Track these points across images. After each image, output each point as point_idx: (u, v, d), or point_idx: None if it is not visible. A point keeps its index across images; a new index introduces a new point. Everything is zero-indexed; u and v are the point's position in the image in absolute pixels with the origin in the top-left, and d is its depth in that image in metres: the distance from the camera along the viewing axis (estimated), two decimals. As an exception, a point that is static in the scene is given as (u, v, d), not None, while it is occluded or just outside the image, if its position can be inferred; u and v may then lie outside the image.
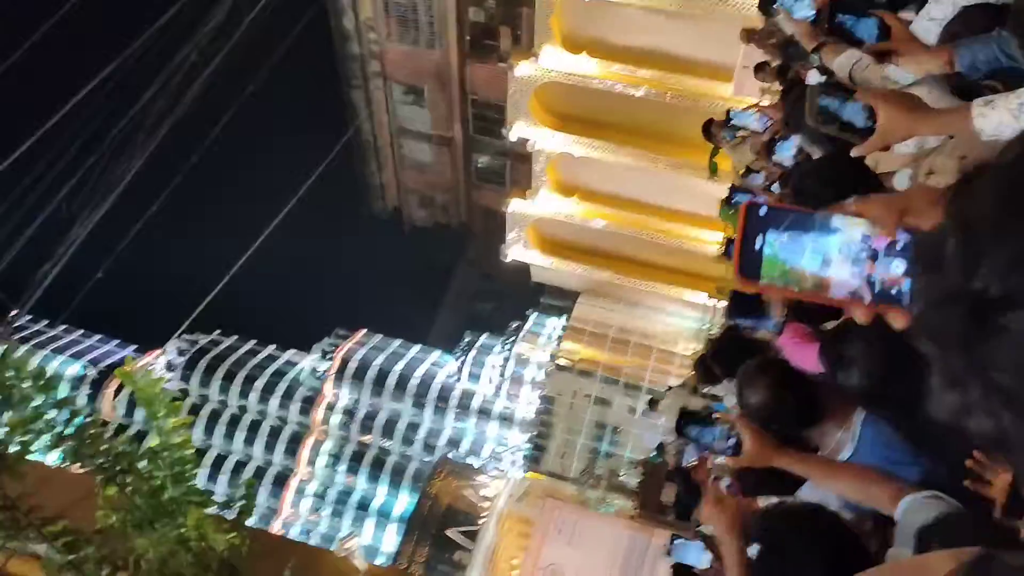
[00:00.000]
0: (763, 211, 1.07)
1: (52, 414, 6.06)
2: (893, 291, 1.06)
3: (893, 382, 2.57)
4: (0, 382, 5.93)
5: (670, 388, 12.14)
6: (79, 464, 6.17)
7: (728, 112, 6.95)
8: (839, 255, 1.05)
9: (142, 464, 6.53)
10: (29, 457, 6.46)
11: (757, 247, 1.06)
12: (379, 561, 35.68)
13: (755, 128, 6.45)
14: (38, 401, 6.05)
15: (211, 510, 7.09)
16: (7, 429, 6.10)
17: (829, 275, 1.05)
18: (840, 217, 1.08)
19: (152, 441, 6.98)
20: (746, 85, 22.80)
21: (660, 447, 11.72)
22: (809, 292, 1.07)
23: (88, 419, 6.36)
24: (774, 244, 1.05)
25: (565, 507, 7.70)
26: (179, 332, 39.04)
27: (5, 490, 6.32)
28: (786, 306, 4.20)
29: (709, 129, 7.74)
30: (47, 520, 6.34)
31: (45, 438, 6.14)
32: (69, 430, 6.17)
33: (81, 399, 40.44)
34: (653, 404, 10.92)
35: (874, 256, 1.07)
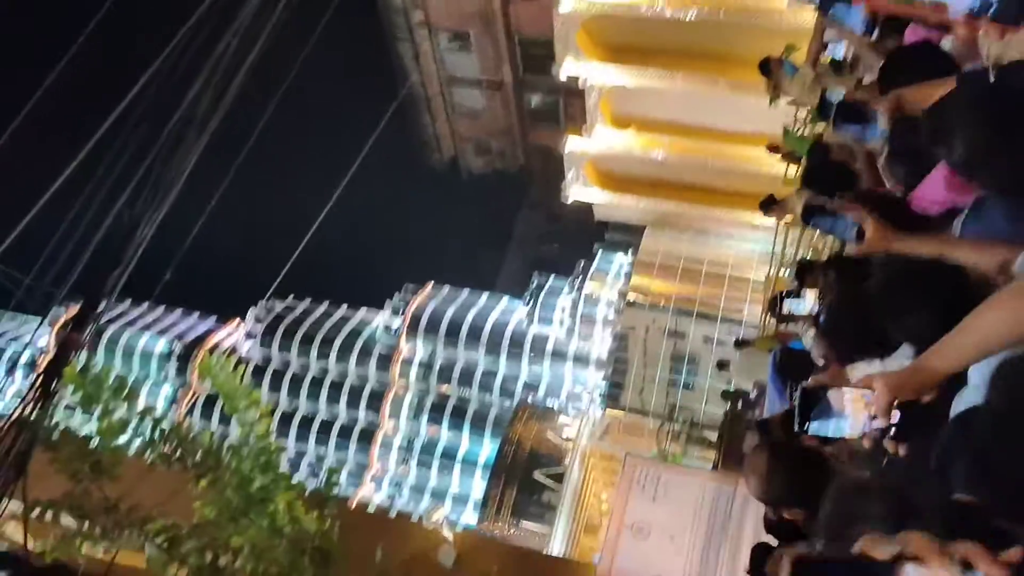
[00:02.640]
0: None
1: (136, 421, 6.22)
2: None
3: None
4: (86, 395, 6.10)
5: (738, 343, 11.80)
6: (168, 466, 6.35)
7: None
8: None
9: (228, 459, 6.69)
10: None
11: None
12: (469, 507, 36.54)
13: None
14: (122, 410, 6.22)
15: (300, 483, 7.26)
16: (99, 438, 6.30)
17: None
18: None
19: (236, 433, 7.14)
20: (801, -5, 21.82)
21: (734, 395, 11.53)
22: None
23: (171, 426, 6.51)
24: None
25: (646, 462, 7.67)
26: (266, 296, 40.01)
27: (105, 492, 6.57)
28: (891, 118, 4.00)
29: (767, 66, 7.34)
30: (147, 518, 6.58)
31: (136, 442, 6.32)
32: (156, 434, 6.33)
33: (168, 386, 42.02)
34: (723, 366, 10.67)
35: None
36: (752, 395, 10.60)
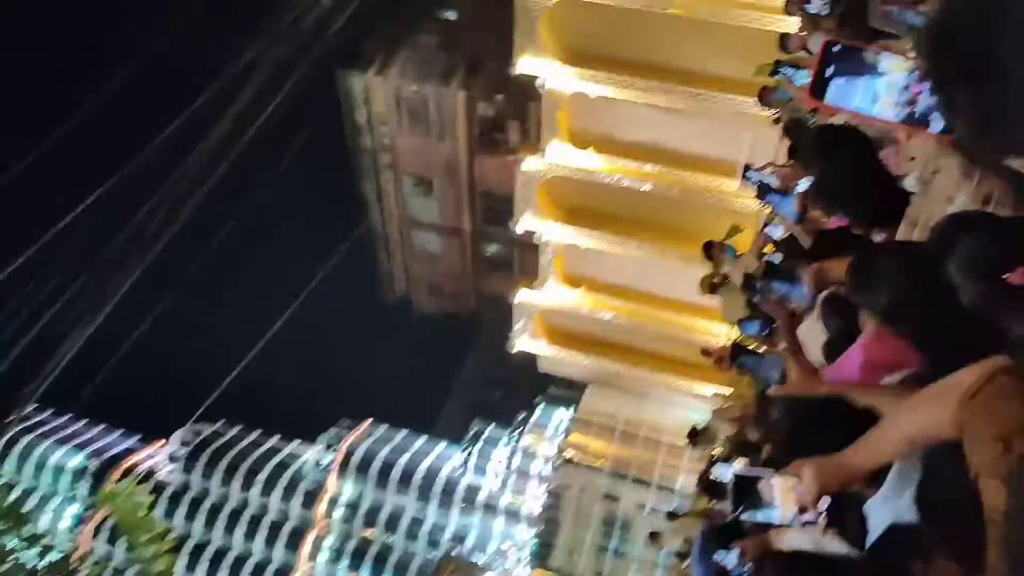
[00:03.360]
0: (836, 48, 1.64)
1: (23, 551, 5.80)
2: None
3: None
4: (-28, 517, 5.69)
5: (671, 515, 11.81)
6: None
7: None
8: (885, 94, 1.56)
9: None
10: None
11: (827, 75, 1.59)
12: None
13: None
14: (9, 538, 5.81)
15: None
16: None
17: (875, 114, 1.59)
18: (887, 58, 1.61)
19: (133, 570, 6.70)
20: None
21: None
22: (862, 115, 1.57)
23: (61, 556, 6.09)
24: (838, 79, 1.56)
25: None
26: (193, 418, 38.75)
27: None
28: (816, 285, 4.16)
29: (711, 249, 7.63)
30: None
31: (18, 573, 5.87)
32: (44, 564, 5.89)
33: (77, 504, 39.88)
34: (655, 537, 10.54)
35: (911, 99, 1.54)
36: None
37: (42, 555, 5.29)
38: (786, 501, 2.19)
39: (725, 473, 5.57)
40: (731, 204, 24.36)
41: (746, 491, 2.35)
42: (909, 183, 3.74)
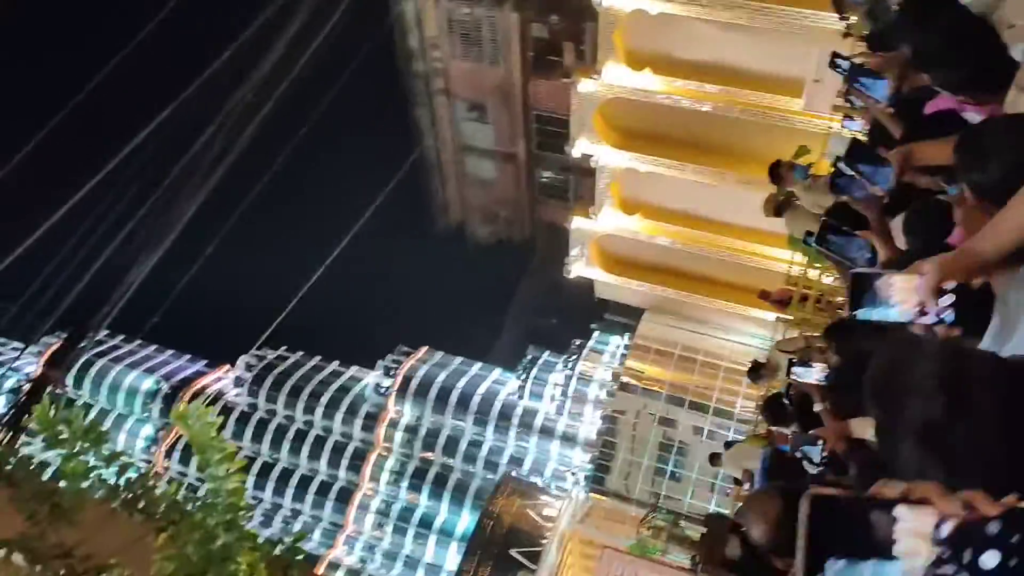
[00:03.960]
0: None
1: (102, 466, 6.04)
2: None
3: None
4: (53, 436, 5.92)
5: (728, 444, 11.67)
6: (130, 515, 6.13)
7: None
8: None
9: (194, 513, 6.47)
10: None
11: None
12: (442, 579, 35.68)
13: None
14: (90, 454, 6.03)
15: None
16: (64, 482, 6.10)
17: None
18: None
19: (206, 487, 6.93)
20: (816, 99, 22.18)
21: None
22: None
23: (137, 474, 6.32)
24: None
25: (624, 558, 7.38)
26: (258, 344, 39.82)
27: (62, 537, 6.33)
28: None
29: (778, 169, 7.33)
30: (102, 567, 6.31)
31: (100, 488, 6.11)
32: (122, 481, 6.13)
33: (150, 425, 41.52)
34: (715, 459, 10.45)
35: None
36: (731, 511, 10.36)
37: (120, 473, 5.57)
38: (905, 297, 2.01)
39: (806, 374, 5.45)
40: (795, 124, 23.61)
41: (864, 288, 2.24)
42: (1016, 54, 3.51)
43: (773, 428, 9.70)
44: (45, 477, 6.71)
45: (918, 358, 1.49)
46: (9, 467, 6.19)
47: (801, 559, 1.02)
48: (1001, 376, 1.44)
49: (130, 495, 6.13)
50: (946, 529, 1.01)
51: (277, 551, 6.89)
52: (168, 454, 39.11)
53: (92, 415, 41.05)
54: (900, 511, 1.02)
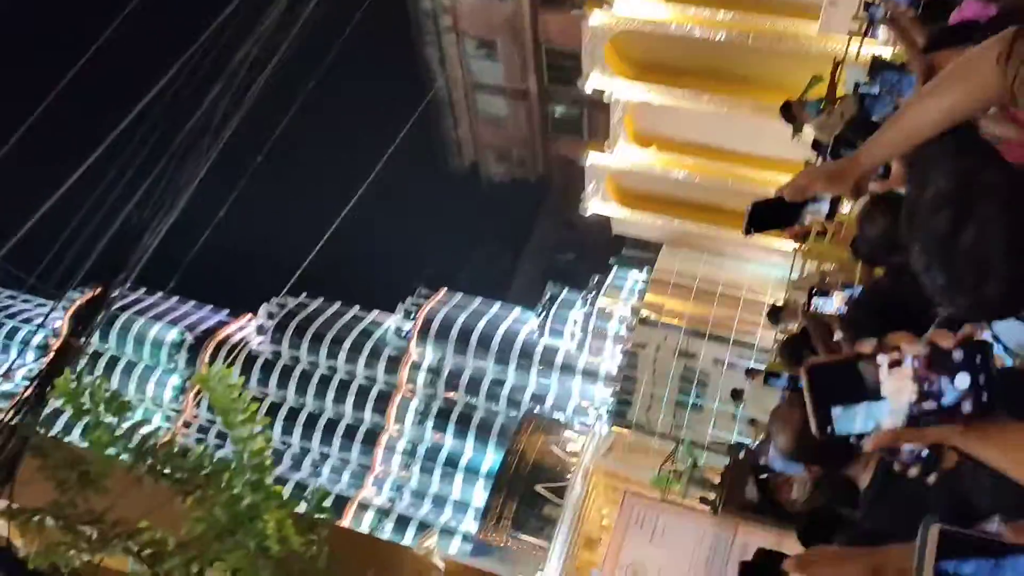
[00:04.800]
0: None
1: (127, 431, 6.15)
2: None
3: None
4: (77, 408, 6.00)
5: (749, 371, 11.59)
6: (155, 481, 6.25)
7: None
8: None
9: (219, 475, 6.59)
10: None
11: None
12: (469, 515, 36.36)
13: None
14: (113, 424, 6.13)
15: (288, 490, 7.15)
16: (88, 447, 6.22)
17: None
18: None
19: (230, 448, 7.05)
20: (833, 22, 21.57)
21: (740, 448, 11.33)
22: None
23: (160, 440, 6.42)
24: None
25: (645, 502, 7.51)
26: (280, 292, 40.10)
27: (91, 503, 6.48)
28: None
29: (789, 110, 7.16)
30: (133, 532, 6.47)
31: (125, 455, 6.22)
32: (146, 448, 6.24)
33: (177, 376, 42.15)
34: (737, 395, 10.44)
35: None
36: (754, 443, 10.40)
37: (144, 441, 5.64)
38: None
39: (826, 304, 5.45)
40: (811, 49, 23.04)
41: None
42: None
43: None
44: (71, 443, 6.84)
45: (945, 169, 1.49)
46: (36, 438, 6.31)
47: (812, 417, 1.20)
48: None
49: (155, 462, 6.24)
50: (920, 365, 1.18)
51: (301, 509, 7.03)
52: (198, 403, 39.82)
53: (119, 369, 41.79)
54: (881, 358, 1.19)
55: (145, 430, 6.35)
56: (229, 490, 6.58)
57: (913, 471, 2.99)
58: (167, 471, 6.29)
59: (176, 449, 6.53)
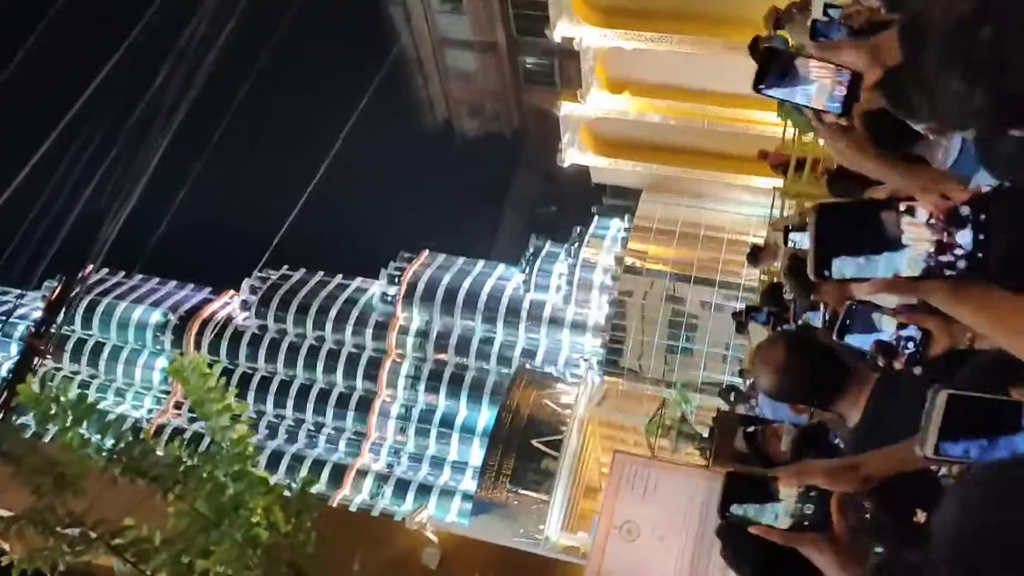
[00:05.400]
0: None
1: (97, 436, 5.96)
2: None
3: None
4: (43, 412, 5.80)
5: (735, 314, 11.44)
6: (132, 481, 6.08)
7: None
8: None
9: (199, 468, 6.42)
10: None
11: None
12: (468, 475, 36.59)
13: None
14: (82, 427, 5.94)
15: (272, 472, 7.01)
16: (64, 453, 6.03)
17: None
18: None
19: (209, 439, 6.88)
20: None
21: (731, 391, 11.28)
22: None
23: (134, 439, 6.24)
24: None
25: (636, 460, 7.47)
26: (260, 266, 39.75)
27: (69, 506, 6.30)
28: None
29: (758, 47, 6.90)
30: (115, 531, 6.31)
31: (99, 458, 6.04)
32: (120, 447, 6.06)
33: (163, 358, 41.84)
34: (741, 328, 10.23)
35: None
36: (745, 387, 10.35)
37: (117, 441, 5.55)
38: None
39: (804, 240, 5.28)
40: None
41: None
42: None
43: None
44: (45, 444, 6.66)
45: None
46: (7, 444, 6.12)
47: (811, 259, 1.20)
48: None
49: (131, 462, 6.06)
50: (936, 218, 1.16)
51: (288, 494, 6.89)
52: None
53: (105, 355, 41.46)
54: (903, 207, 1.17)
55: (117, 430, 6.18)
56: (211, 482, 6.42)
57: (898, 364, 2.92)
58: (144, 468, 6.11)
59: (151, 445, 6.35)
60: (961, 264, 1.13)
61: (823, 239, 1.16)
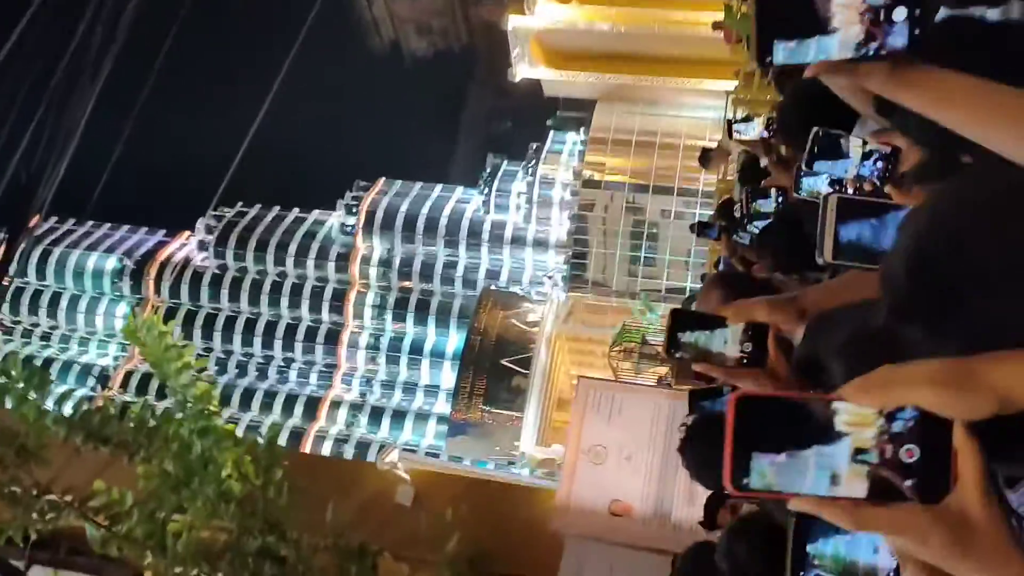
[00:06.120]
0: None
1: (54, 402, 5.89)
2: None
3: None
4: (-5, 386, 5.70)
5: (695, 226, 11.44)
6: (95, 448, 6.04)
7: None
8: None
9: (165, 427, 6.39)
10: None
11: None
12: (441, 398, 36.99)
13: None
14: (35, 396, 5.85)
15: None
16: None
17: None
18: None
19: (170, 400, 6.84)
20: None
21: (691, 300, 11.32)
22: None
23: (92, 406, 6.17)
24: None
25: (600, 384, 7.57)
26: (213, 204, 39.01)
27: (35, 477, 6.27)
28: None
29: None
30: (85, 497, 6.31)
31: (58, 428, 5.98)
32: (76, 417, 5.99)
33: (123, 304, 41.14)
34: (701, 229, 10.18)
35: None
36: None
37: (76, 408, 5.49)
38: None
39: (747, 130, 5.30)
40: None
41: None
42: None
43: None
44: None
45: None
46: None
47: (754, 47, 1.14)
48: None
49: (91, 430, 6.00)
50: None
51: (258, 442, 6.90)
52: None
53: (64, 305, 40.72)
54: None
55: (82, 390, 6.09)
56: (176, 441, 6.40)
57: (867, 187, 3.02)
58: (105, 436, 6.06)
59: (112, 411, 6.28)
60: (898, 43, 1.10)
61: (764, 28, 1.13)
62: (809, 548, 1.11)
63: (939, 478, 0.84)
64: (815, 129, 2.91)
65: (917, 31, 1.09)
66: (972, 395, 0.85)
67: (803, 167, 2.95)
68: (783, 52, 1.11)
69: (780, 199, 4.92)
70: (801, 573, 1.10)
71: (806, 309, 1.83)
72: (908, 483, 0.82)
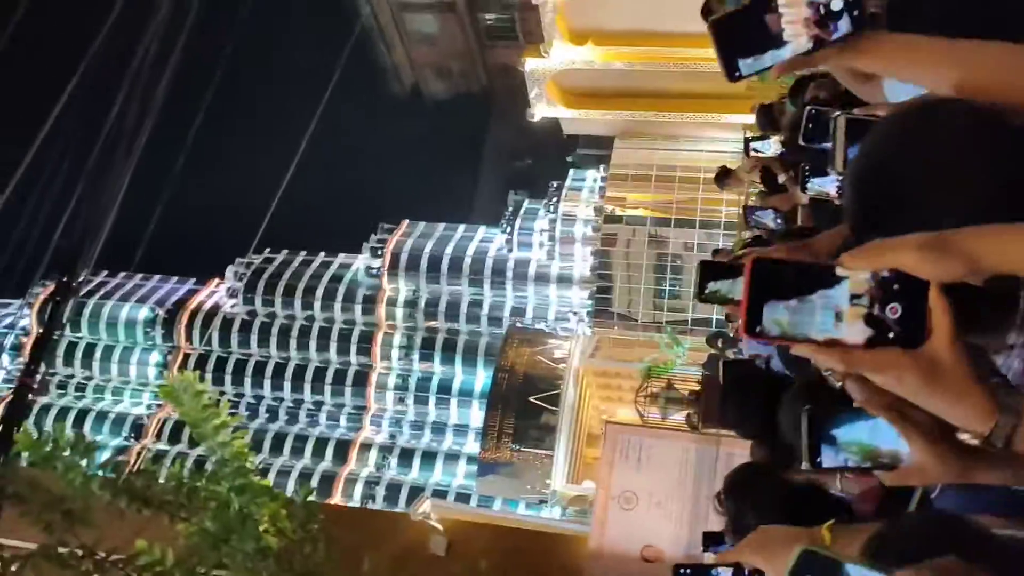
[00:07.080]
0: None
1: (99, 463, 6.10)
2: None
3: None
4: (42, 457, 5.91)
5: (715, 252, 11.48)
6: (138, 511, 6.22)
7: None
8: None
9: (205, 487, 6.56)
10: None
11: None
12: (470, 437, 37.00)
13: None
14: (83, 465, 6.05)
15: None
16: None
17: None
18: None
19: (208, 460, 7.01)
20: None
21: (718, 337, 11.39)
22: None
23: (127, 458, 6.38)
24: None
25: (627, 430, 7.67)
26: (246, 253, 39.61)
27: (81, 539, 6.45)
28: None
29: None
30: (129, 558, 6.48)
31: (102, 492, 6.16)
32: (121, 482, 6.18)
33: (156, 352, 41.79)
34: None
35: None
36: (731, 331, 10.43)
37: (117, 476, 5.61)
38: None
39: (764, 147, 5.49)
40: (732, -81, 22.36)
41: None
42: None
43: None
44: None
45: None
46: (12, 487, 6.23)
47: (722, 67, 1.25)
48: None
49: (135, 492, 6.19)
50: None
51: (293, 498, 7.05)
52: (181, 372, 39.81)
53: (98, 356, 41.35)
54: (781, 8, 1.21)
55: (117, 440, 6.29)
56: (214, 499, 6.57)
57: None
58: (148, 498, 6.24)
59: (152, 468, 6.48)
60: (845, 29, 1.20)
61: (723, 48, 1.24)
62: (835, 432, 1.20)
63: (917, 330, 1.03)
64: (808, 107, 3.14)
65: (856, 12, 1.20)
66: (946, 259, 1.03)
67: (801, 142, 3.12)
68: (746, 67, 1.23)
69: (778, 221, 5.25)
70: (817, 459, 1.19)
71: (820, 252, 2.02)
72: (891, 334, 1.02)
